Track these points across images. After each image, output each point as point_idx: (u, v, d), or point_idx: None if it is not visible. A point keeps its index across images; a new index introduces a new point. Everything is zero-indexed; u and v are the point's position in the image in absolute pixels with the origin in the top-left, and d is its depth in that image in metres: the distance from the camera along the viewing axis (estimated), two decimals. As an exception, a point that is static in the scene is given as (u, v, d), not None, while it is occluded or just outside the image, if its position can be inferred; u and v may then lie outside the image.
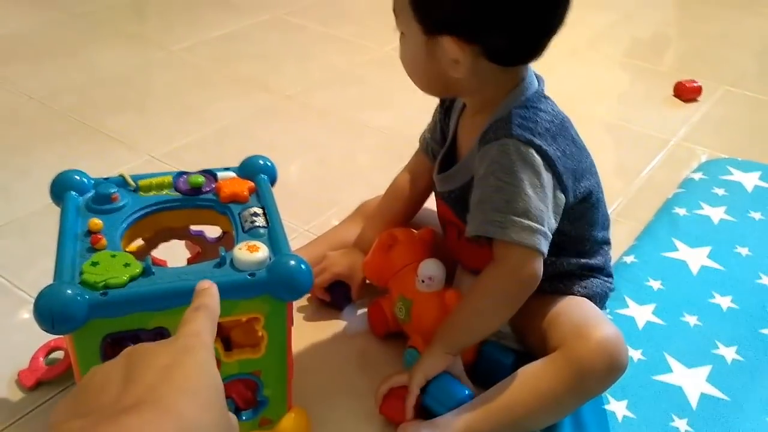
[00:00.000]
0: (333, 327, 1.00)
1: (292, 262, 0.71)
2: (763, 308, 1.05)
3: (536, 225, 0.78)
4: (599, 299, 0.91)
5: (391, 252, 0.93)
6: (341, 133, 1.51)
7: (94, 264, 0.69)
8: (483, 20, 0.75)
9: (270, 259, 0.72)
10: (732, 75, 1.84)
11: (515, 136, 0.78)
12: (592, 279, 0.91)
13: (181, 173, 0.85)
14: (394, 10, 0.81)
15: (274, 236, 0.76)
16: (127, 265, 0.70)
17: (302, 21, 2.03)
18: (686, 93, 1.70)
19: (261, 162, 0.88)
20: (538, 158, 0.78)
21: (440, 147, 0.94)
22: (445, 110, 0.93)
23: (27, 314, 0.97)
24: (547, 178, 0.79)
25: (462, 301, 0.85)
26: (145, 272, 0.69)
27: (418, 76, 0.83)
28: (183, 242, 0.92)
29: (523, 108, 0.80)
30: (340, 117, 1.56)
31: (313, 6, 2.14)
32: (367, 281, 1.01)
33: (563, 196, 0.81)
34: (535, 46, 0.79)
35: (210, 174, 0.86)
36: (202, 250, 0.92)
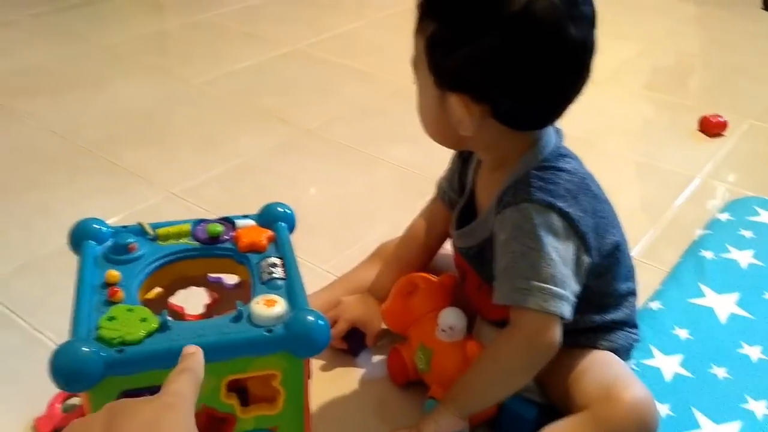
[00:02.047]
0: (350, 375, 0.98)
1: (311, 318, 0.70)
2: (795, 359, 1.02)
3: (560, 290, 0.76)
4: (624, 352, 0.89)
5: (410, 299, 0.92)
6: (361, 167, 1.50)
7: (111, 319, 0.68)
8: (491, 82, 0.73)
9: (288, 313, 0.71)
10: (758, 108, 1.81)
11: (536, 200, 0.76)
12: (616, 332, 0.88)
13: (200, 221, 0.84)
14: (413, 62, 0.80)
15: (292, 289, 0.75)
16: (143, 320, 0.69)
17: (323, 54, 2.04)
18: (712, 128, 1.67)
19: (280, 209, 0.87)
20: (560, 222, 0.76)
21: (457, 196, 0.93)
22: (462, 160, 0.92)
23: (44, 358, 0.96)
24: (570, 241, 0.77)
25: (477, 364, 0.82)
26: (162, 327, 0.68)
27: (432, 128, 0.83)
28: (200, 287, 0.91)
29: (541, 169, 0.79)
30: (360, 151, 1.55)
31: (334, 39, 2.14)
32: (384, 327, 0.99)
33: (588, 257, 0.79)
34: (548, 113, 0.77)
35: (228, 221, 0.85)
36: (220, 296, 0.91)
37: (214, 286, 0.91)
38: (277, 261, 0.79)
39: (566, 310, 0.77)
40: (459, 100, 0.75)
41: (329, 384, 0.96)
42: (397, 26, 2.24)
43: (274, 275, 0.77)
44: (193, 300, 0.90)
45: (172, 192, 1.37)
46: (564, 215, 0.76)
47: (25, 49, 1.97)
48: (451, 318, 0.87)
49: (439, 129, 0.81)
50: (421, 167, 1.49)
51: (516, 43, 0.71)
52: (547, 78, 0.73)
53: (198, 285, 0.90)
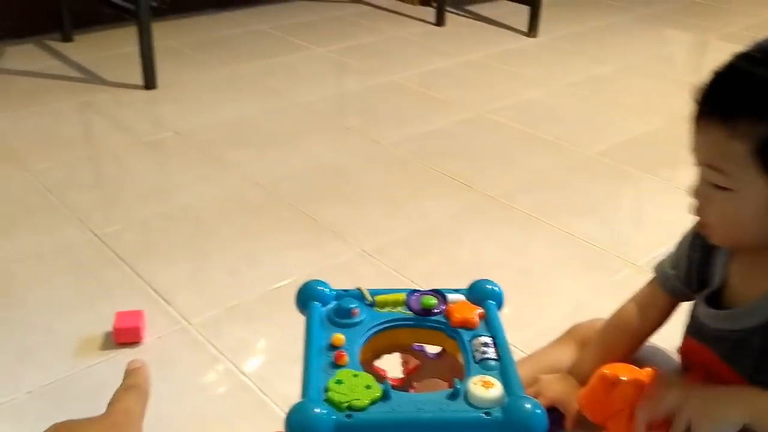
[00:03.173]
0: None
1: (529, 406, 0.70)
2: None
3: None
4: None
5: (613, 390, 0.90)
6: (544, 240, 1.50)
7: (339, 382, 0.72)
8: None
9: (504, 398, 0.72)
10: None
11: None
12: None
13: (414, 291, 0.87)
14: (713, 166, 0.74)
15: (506, 372, 0.75)
16: (368, 387, 0.72)
17: (505, 120, 2.07)
18: None
19: (489, 287, 0.88)
20: None
21: (686, 287, 0.90)
22: (706, 251, 0.89)
23: (250, 402, 1.03)
24: None
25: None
26: (385, 396, 0.72)
27: (751, 232, 0.78)
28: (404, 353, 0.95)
29: None
30: (544, 223, 1.55)
31: (516, 105, 2.17)
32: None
33: None
34: None
35: (440, 294, 0.88)
36: (422, 364, 0.94)
37: (418, 354, 0.94)
38: (489, 341, 0.80)
39: None
40: None
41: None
42: (581, 96, 2.25)
43: (487, 355, 0.78)
44: (393, 364, 0.94)
45: (364, 250, 1.44)
46: None
47: (229, 103, 2.17)
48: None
49: (763, 230, 0.77)
50: (607, 243, 1.46)
51: None
52: None
53: (403, 351, 0.93)
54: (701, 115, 0.75)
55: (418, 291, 0.88)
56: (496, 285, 0.90)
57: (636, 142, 1.94)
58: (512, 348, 1.16)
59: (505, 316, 1.26)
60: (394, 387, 0.94)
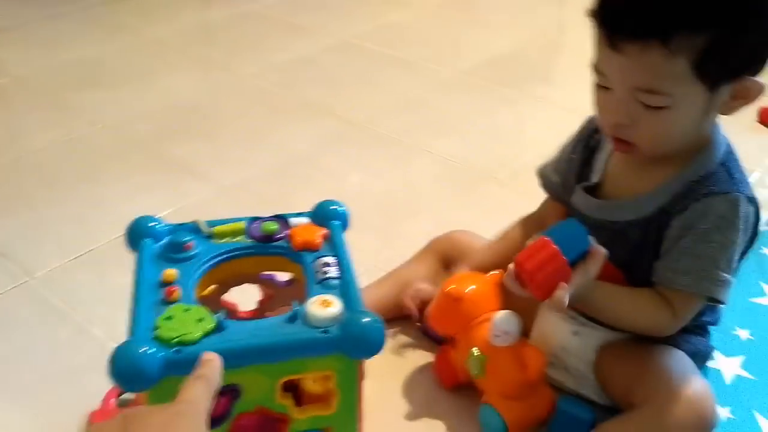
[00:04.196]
0: (399, 376, 0.97)
1: (366, 320, 0.69)
2: None
3: (731, 278, 0.78)
4: (700, 358, 0.89)
5: (460, 304, 0.90)
6: (407, 161, 1.49)
7: (169, 318, 0.69)
8: None
9: (343, 314, 0.71)
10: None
11: (744, 193, 0.78)
12: (698, 336, 0.88)
13: (254, 219, 0.84)
14: (647, 89, 0.72)
15: (347, 289, 0.74)
16: (200, 320, 0.69)
17: (368, 44, 2.02)
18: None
19: (334, 207, 0.86)
20: (753, 217, 0.79)
21: (564, 189, 0.91)
22: (590, 150, 0.89)
23: (97, 353, 0.98)
24: (747, 234, 0.79)
25: (624, 298, 0.82)
26: (218, 328, 0.69)
27: (676, 141, 0.78)
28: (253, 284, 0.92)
29: (734, 161, 0.80)
30: (406, 144, 1.54)
31: (380, 29, 2.13)
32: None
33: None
34: None
35: (283, 219, 0.85)
36: (273, 293, 0.91)
37: (267, 283, 0.91)
38: (331, 260, 0.79)
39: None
40: (737, 86, 0.74)
41: (380, 385, 0.94)
42: (446, 17, 2.23)
43: (328, 275, 0.76)
44: (246, 296, 0.90)
45: (223, 185, 1.38)
46: (757, 212, 0.79)
47: (76, 42, 2.01)
48: (506, 323, 0.86)
49: (686, 137, 0.78)
50: (467, 160, 1.47)
51: None
52: None
53: (251, 282, 0.90)
54: (625, 38, 0.69)
55: (259, 218, 0.85)
56: (341, 205, 0.88)
57: (500, 60, 1.94)
58: (375, 268, 1.16)
59: (368, 239, 1.27)
60: (245, 319, 0.91)
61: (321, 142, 1.55)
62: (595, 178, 0.88)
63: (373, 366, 0.97)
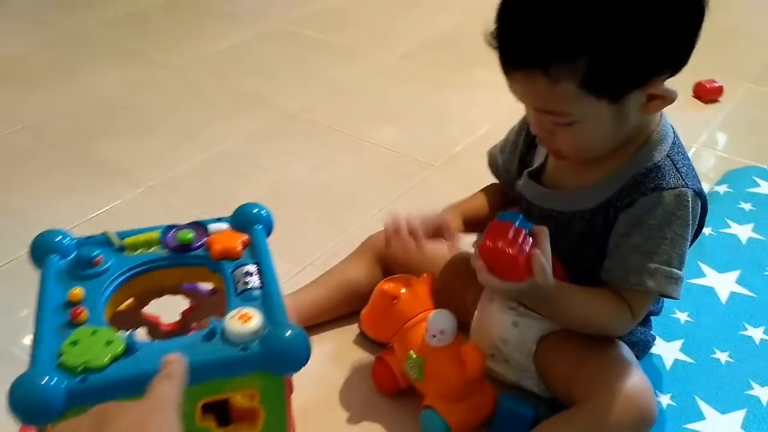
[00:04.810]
0: (335, 385, 0.93)
1: (289, 333, 0.65)
2: (799, 339, 0.98)
3: (682, 273, 0.77)
4: (641, 348, 0.89)
5: (393, 306, 0.87)
6: (345, 152, 1.45)
7: (74, 343, 0.64)
8: (666, 51, 0.71)
9: (264, 328, 0.66)
10: (755, 71, 1.76)
11: (691, 187, 0.77)
12: (639, 326, 0.87)
13: (170, 227, 0.79)
14: (547, 110, 0.73)
15: (269, 300, 0.70)
16: (108, 343, 0.64)
17: (303, 30, 1.97)
18: (706, 93, 1.62)
19: (255, 211, 0.81)
20: (699, 210, 0.78)
21: (507, 172, 0.91)
22: (528, 144, 0.88)
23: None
24: (694, 227, 0.79)
25: (580, 299, 0.80)
26: (128, 350, 0.64)
27: (603, 147, 0.77)
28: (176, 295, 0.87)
29: (681, 154, 0.79)
30: (344, 134, 1.50)
31: (315, 14, 2.07)
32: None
33: None
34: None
35: (200, 226, 0.80)
36: (197, 303, 0.87)
37: (190, 293, 0.86)
38: (253, 268, 0.74)
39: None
40: (641, 94, 0.72)
41: (315, 392, 0.91)
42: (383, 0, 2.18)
43: (249, 285, 0.72)
44: (168, 308, 0.86)
45: (149, 186, 1.32)
46: (704, 203, 0.79)
47: (-6, 38, 1.90)
48: (441, 321, 0.83)
49: (612, 142, 0.77)
50: (407, 149, 1.44)
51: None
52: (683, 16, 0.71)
53: (172, 293, 0.85)
54: (513, 66, 0.71)
55: (175, 226, 0.80)
56: (263, 208, 0.83)
57: (440, 43, 1.91)
58: (311, 266, 1.12)
59: (307, 235, 1.23)
60: (169, 332, 0.87)
61: (256, 136, 1.49)
62: (537, 163, 0.87)
63: (307, 374, 0.93)
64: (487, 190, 0.96)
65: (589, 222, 0.81)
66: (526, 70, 0.70)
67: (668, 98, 0.73)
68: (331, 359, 0.97)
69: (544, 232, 0.76)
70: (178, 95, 1.65)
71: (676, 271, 0.77)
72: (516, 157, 0.90)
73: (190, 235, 0.77)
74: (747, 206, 1.23)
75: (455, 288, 0.93)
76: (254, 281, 0.73)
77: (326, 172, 1.38)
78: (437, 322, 0.83)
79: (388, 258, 1.01)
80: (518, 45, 0.70)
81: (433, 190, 1.32)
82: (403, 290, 0.88)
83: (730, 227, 1.18)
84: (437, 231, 0.84)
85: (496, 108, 1.48)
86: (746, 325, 1.00)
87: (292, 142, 1.47)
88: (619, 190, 0.78)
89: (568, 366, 0.83)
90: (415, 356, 0.84)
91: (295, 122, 1.55)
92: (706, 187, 1.28)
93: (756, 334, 0.99)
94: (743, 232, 1.17)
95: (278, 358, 0.64)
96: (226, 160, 1.41)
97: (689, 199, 0.76)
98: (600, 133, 0.75)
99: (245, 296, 0.71)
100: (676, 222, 0.76)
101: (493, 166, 0.95)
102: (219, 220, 0.81)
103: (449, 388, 0.83)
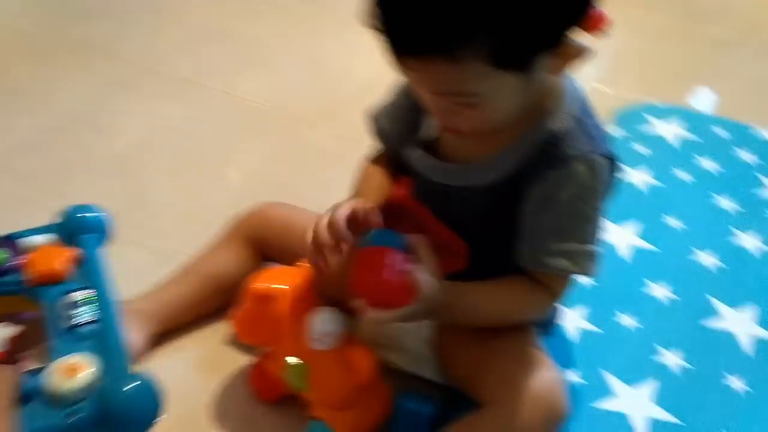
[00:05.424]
0: (209, 393, 0.81)
1: (131, 385, 0.52)
2: (700, 293, 0.94)
3: (598, 249, 0.71)
4: (548, 326, 0.84)
5: (269, 306, 0.74)
6: (208, 107, 1.28)
7: None
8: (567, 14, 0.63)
9: (99, 380, 0.52)
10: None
11: (601, 151, 0.69)
12: None
13: (-31, 247, 0.62)
14: (451, 92, 0.64)
15: (105, 338, 0.56)
16: None
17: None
18: (591, 23, 1.54)
19: (85, 215, 0.66)
20: (609, 175, 0.71)
21: (398, 139, 0.80)
22: (417, 111, 0.76)
23: None
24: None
25: (491, 290, 0.73)
26: None
27: (505, 120, 0.68)
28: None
29: (590, 117, 0.72)
30: (206, 87, 1.32)
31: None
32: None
33: None
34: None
35: (11, 242, 0.63)
36: (26, 329, 0.71)
37: (15, 318, 0.70)
38: (82, 295, 0.59)
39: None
40: (550, 60, 0.64)
41: (180, 413, 0.78)
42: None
43: (77, 320, 0.57)
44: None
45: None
46: (613, 165, 0.71)
47: None
48: (326, 323, 0.72)
49: (518, 110, 0.68)
50: (277, 101, 1.29)
51: None
52: None
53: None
54: (409, 53, 0.62)
55: (-22, 244, 0.63)
56: (97, 210, 0.68)
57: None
58: (174, 251, 0.97)
59: (165, 212, 1.06)
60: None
61: (99, 95, 1.29)
62: (430, 131, 0.77)
63: (171, 389, 0.80)
64: (378, 168, 0.83)
65: (492, 196, 0.73)
66: (426, 57, 0.61)
67: (580, 53, 0.64)
68: (200, 367, 0.84)
69: (419, 242, 0.69)
70: (4, 51, 1.39)
71: (593, 248, 0.71)
72: (404, 124, 0.79)
73: (1, 255, 0.61)
74: (642, 149, 1.18)
75: (340, 271, 0.82)
76: (82, 315, 0.58)
77: (189, 132, 1.21)
78: (322, 324, 0.72)
79: (267, 244, 0.88)
80: (413, 31, 0.60)
81: (311, 151, 1.19)
82: (277, 287, 0.75)
83: (624, 173, 1.12)
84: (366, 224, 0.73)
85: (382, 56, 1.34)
86: (649, 282, 0.95)
87: (144, 100, 1.28)
88: (525, 163, 0.70)
89: (470, 354, 0.77)
90: (294, 362, 0.73)
91: (146, 75, 1.35)
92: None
93: (659, 291, 0.94)
94: (639, 177, 1.12)
95: (117, 421, 0.51)
96: (64, 126, 1.21)
97: (601, 167, 0.69)
98: (507, 105, 0.67)
99: (73, 335, 0.56)
100: (590, 195, 0.70)
101: (379, 133, 0.83)
102: (38, 230, 0.65)
103: (337, 397, 0.73)
